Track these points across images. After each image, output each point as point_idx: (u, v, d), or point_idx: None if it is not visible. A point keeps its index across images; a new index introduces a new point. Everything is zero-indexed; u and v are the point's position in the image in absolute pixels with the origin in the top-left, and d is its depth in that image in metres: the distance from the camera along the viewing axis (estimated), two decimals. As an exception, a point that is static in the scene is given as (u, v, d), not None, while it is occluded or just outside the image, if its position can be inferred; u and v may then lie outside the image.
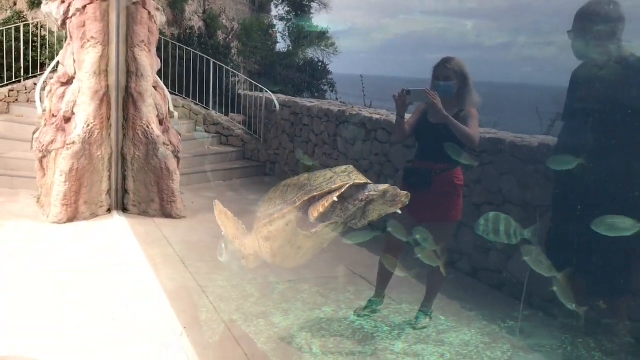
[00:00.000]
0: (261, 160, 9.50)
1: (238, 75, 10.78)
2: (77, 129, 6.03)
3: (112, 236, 5.73)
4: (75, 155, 5.96)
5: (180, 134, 7.12)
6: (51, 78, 6.88)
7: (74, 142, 5.96)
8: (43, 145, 6.22)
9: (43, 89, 7.19)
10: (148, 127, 6.41)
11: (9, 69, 9.49)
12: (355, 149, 6.93)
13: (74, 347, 3.44)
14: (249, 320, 3.99)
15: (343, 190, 2.64)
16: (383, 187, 2.72)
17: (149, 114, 6.46)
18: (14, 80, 9.55)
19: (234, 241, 3.12)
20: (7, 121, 8.74)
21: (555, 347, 3.74)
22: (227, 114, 10.19)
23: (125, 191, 6.55)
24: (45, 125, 6.42)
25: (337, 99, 10.80)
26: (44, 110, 6.62)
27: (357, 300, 4.42)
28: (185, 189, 7.36)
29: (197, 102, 10.22)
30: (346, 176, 2.74)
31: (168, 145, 6.52)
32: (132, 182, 6.52)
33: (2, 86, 9.38)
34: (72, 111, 6.16)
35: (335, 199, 2.61)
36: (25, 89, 9.49)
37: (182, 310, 4.02)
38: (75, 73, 6.24)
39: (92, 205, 6.27)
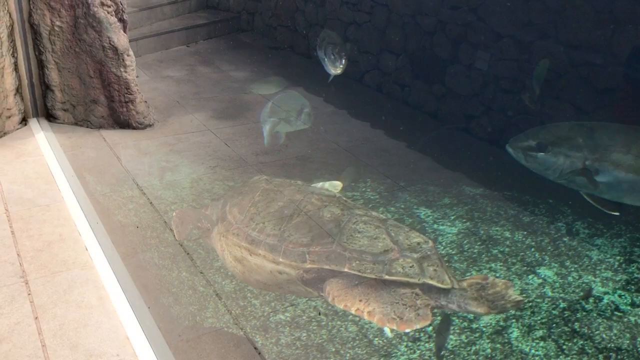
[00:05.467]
0: (233, 10, 6.80)
1: None
2: (-59, -15, 3.34)
3: (29, 172, 3.34)
4: (-54, 35, 3.34)
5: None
6: None
7: (-63, 11, 3.30)
8: None
9: None
10: (70, -24, 3.74)
11: None
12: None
13: None
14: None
15: (404, 327, 1.54)
16: (481, 308, 1.62)
17: (69, -50, 3.75)
18: None
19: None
20: None
21: None
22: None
23: (47, 87, 4.02)
24: None
25: None
26: None
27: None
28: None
29: None
30: (415, 264, 1.50)
31: (108, 5, 3.90)
32: (55, 73, 3.96)
33: None
34: None
35: (389, 328, 1.55)
36: None
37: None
38: None
39: (-8, 116, 3.76)
